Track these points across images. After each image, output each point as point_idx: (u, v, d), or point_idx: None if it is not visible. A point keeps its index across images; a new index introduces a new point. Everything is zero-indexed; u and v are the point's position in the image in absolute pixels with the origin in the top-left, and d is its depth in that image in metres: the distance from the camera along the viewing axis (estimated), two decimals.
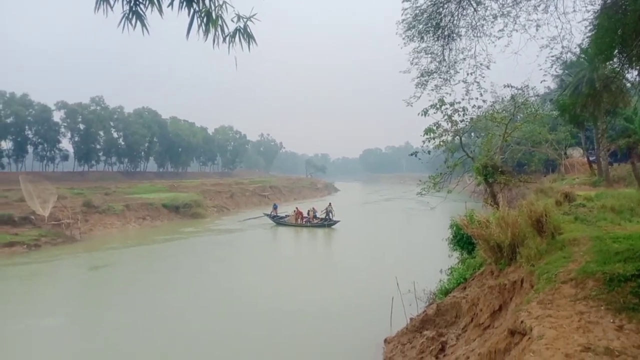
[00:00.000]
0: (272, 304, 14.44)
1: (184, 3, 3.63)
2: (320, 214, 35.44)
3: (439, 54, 8.42)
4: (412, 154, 14.60)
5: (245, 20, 3.79)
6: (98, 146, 74.05)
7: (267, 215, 37.98)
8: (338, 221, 33.81)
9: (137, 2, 3.62)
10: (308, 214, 35.84)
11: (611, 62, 7.25)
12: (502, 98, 19.06)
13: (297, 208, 36.74)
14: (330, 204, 35.94)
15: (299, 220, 35.37)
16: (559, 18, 6.88)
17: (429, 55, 8.68)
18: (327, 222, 33.94)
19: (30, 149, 65.22)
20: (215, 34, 3.69)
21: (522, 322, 5.06)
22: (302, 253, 24.79)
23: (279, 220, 36.45)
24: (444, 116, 13.99)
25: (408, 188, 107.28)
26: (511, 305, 6.89)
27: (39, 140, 65.01)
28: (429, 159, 14.16)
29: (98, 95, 71.92)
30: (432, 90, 11.18)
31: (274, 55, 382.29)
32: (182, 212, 40.94)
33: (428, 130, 13.87)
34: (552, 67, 9.00)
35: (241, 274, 19.07)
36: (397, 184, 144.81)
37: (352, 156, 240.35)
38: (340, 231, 32.46)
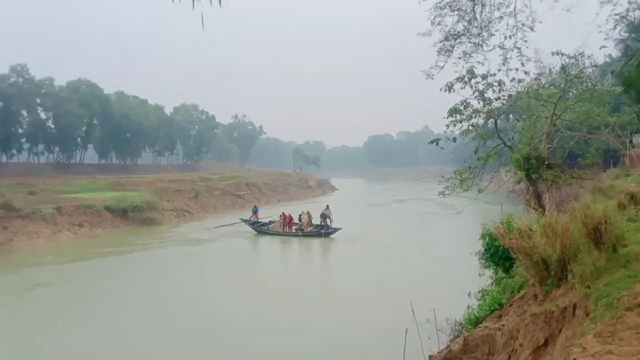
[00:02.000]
0: (254, 339, 14.44)
1: None
2: (315, 220, 35.72)
3: (469, 10, 8.39)
4: (432, 142, 14.62)
5: None
6: (20, 130, 73.41)
7: (245, 221, 38.09)
8: (338, 229, 34.01)
9: None
10: (300, 219, 35.95)
11: None
12: (550, 69, 19.15)
13: (283, 213, 36.89)
14: (327, 206, 36.12)
15: (286, 227, 35.49)
16: None
17: (456, 13, 8.65)
18: (324, 231, 34.10)
19: None
20: None
21: None
22: (292, 271, 24.84)
23: (260, 228, 36.55)
24: (474, 92, 14.00)
25: (426, 186, 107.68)
26: (560, 339, 6.93)
27: None
28: (454, 148, 14.18)
29: (20, 64, 70.29)
30: (459, 58, 11.16)
31: (253, 25, 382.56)
32: (132, 218, 40.85)
33: (453, 111, 13.88)
34: (615, 28, 9.01)
35: (212, 301, 18.83)
36: (412, 180, 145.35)
37: (354, 144, 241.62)
38: (340, 242, 32.72)
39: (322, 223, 35.03)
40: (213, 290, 20.49)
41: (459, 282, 17.45)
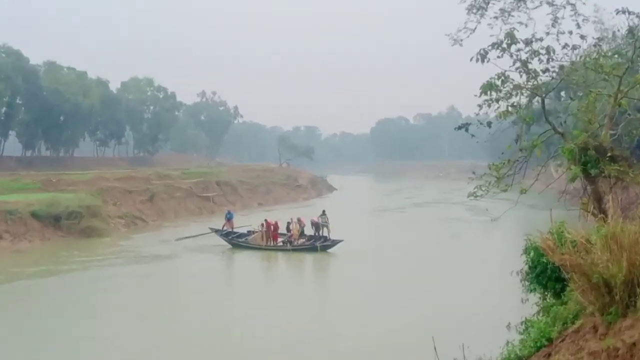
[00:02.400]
0: None
1: None
2: (308, 229, 35.92)
3: None
4: (459, 128, 14.59)
5: None
6: None
7: (217, 231, 38.18)
8: (338, 241, 34.16)
9: None
10: (288, 228, 36.03)
11: None
12: (614, 32, 19.22)
13: (266, 220, 36.94)
14: (323, 212, 36.24)
15: (270, 239, 35.59)
16: None
17: None
18: (319, 243, 34.24)
19: None
20: None
21: None
22: (278, 301, 24.56)
23: (237, 240, 36.69)
24: (514, 63, 13.99)
25: (453, 185, 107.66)
26: None
27: None
28: (489, 135, 14.19)
29: None
30: (496, 18, 11.12)
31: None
32: (67, 227, 40.80)
33: (488, 87, 13.86)
34: None
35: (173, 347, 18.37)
36: (433, 178, 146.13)
37: (359, 131, 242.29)
38: (341, 258, 32.91)
39: (317, 234, 35.19)
40: (166, 340, 18.83)
41: (495, 311, 17.40)
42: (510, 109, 14.30)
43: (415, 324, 19.08)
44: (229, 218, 39.51)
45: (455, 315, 20.04)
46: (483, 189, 15.01)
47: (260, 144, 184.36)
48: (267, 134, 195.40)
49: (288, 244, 35.00)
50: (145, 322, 20.98)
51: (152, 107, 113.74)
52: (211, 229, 39.05)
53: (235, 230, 38.36)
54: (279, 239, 35.94)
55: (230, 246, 36.66)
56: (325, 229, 35.38)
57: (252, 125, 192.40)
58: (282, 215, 40.36)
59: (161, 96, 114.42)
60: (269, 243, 35.64)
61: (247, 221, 41.50)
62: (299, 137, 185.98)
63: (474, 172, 15.38)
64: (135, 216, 49.66)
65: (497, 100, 13.79)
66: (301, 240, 35.15)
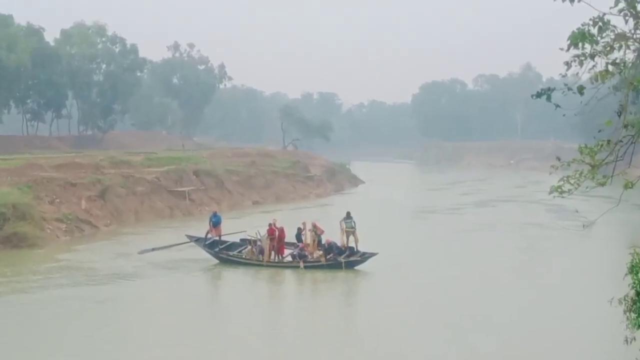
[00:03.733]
0: None
1: None
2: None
3: None
4: (539, 95, 14.50)
5: None
6: None
7: (197, 240, 37.97)
8: (371, 255, 34.04)
9: None
10: (299, 237, 35.88)
11: None
12: None
13: (273, 222, 36.36)
14: (348, 214, 35.76)
15: (272, 254, 35.46)
16: None
17: None
18: (343, 258, 34.02)
19: None
20: None
21: None
22: (289, 344, 24.27)
23: (226, 253, 36.52)
24: (616, 2, 13.96)
25: (529, 176, 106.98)
26: None
27: None
28: (580, 106, 14.16)
29: None
30: None
31: None
32: None
33: (579, 38, 13.79)
34: None
35: None
36: (502, 165, 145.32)
37: (395, 99, 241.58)
38: (377, 278, 32.91)
39: (343, 246, 34.77)
40: None
41: (588, 355, 17.44)
42: (610, 68, 14.24)
43: None
44: (215, 222, 38.76)
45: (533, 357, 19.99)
46: (571, 181, 14.90)
47: (257, 118, 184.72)
48: (266, 104, 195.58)
49: (300, 260, 34.88)
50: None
51: (104, 66, 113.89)
52: (189, 237, 38.86)
53: (223, 238, 37.97)
54: (286, 252, 35.77)
55: (217, 261, 36.52)
56: (351, 236, 34.94)
57: (245, 92, 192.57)
58: (287, 219, 40.27)
59: (117, 50, 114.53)
60: (272, 258, 35.41)
61: (240, 226, 41.29)
62: (311, 107, 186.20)
63: (558, 158, 15.28)
64: (80, 219, 49.56)
65: (593, 56, 13.70)
66: (317, 254, 34.86)
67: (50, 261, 37.92)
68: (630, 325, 13.14)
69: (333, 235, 35.40)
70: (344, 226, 35.26)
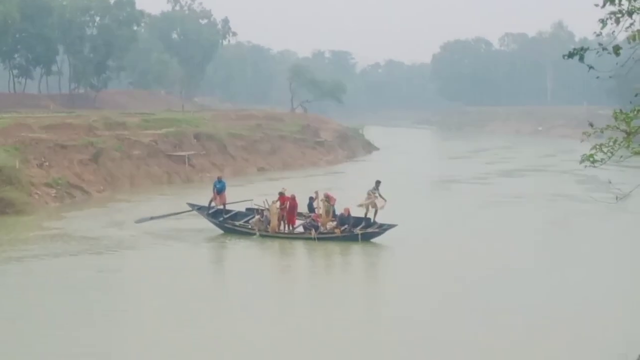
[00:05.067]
0: None
1: None
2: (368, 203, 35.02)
3: None
4: (571, 55, 14.44)
5: None
6: None
7: (199, 209, 37.94)
8: (390, 226, 34.05)
9: None
10: (311, 207, 35.99)
11: None
12: None
13: (284, 191, 36.14)
14: (378, 182, 35.31)
15: (282, 224, 35.56)
16: None
17: None
18: (359, 230, 33.90)
19: None
20: None
21: None
22: (303, 326, 23.86)
23: (231, 223, 36.63)
24: None
25: (559, 144, 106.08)
26: None
27: None
28: (616, 67, 14.09)
29: None
30: None
31: None
32: None
33: None
34: None
35: None
36: (529, 132, 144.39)
37: (413, 59, 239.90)
38: (395, 252, 33.04)
39: (367, 216, 34.51)
40: None
41: (621, 347, 17.46)
42: None
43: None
44: (219, 189, 38.58)
45: (559, 344, 20.13)
46: (605, 150, 14.86)
47: (264, 78, 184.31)
48: (273, 63, 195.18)
49: (311, 230, 34.87)
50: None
51: (98, 19, 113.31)
52: (191, 205, 38.78)
53: (228, 208, 37.92)
54: (297, 223, 35.79)
55: (221, 231, 36.53)
56: (373, 205, 34.56)
57: (251, 49, 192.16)
58: (296, 188, 40.03)
59: (112, 1, 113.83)
60: (280, 229, 35.43)
61: (243, 195, 41.12)
62: (323, 67, 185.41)
63: (591, 125, 15.22)
64: (71, 184, 49.63)
65: (630, 13, 13.61)
66: (330, 225, 34.79)
67: (40, 229, 38.05)
68: None
69: (346, 206, 35.18)
70: (373, 195, 34.81)
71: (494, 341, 20.70)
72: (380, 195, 34.83)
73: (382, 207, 34.65)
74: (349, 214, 34.63)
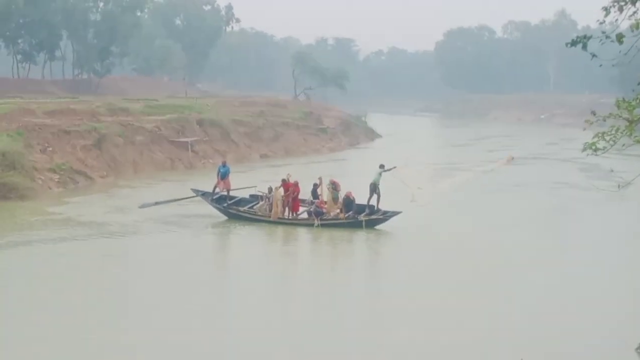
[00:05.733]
0: None
1: None
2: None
3: None
4: (574, 43, 14.50)
5: None
6: None
7: (203, 194, 37.87)
8: (395, 213, 34.08)
9: None
10: (315, 194, 35.96)
11: None
12: None
13: (288, 177, 36.06)
14: (382, 167, 35.25)
15: (286, 210, 35.52)
16: None
17: None
18: (364, 217, 33.94)
19: None
20: None
21: None
22: (308, 316, 23.70)
23: (236, 209, 36.60)
24: None
25: (561, 132, 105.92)
26: None
27: None
28: (619, 55, 14.11)
29: None
30: None
31: None
32: None
33: None
34: None
35: None
36: (533, 120, 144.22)
37: (417, 47, 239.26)
38: (399, 239, 33.27)
39: (370, 203, 34.47)
40: None
41: (618, 337, 17.49)
42: None
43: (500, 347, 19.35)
44: (223, 174, 38.34)
45: (561, 332, 20.17)
46: (607, 138, 14.89)
47: (267, 65, 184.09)
48: (276, 50, 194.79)
49: (315, 217, 34.87)
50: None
51: (101, 4, 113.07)
52: (195, 191, 38.71)
53: (232, 194, 37.81)
54: (301, 209, 35.75)
55: (225, 217, 36.59)
56: (375, 193, 34.50)
57: (254, 36, 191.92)
58: (298, 174, 39.89)
59: None
60: (285, 214, 35.33)
61: (246, 182, 40.83)
62: (326, 54, 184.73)
63: (593, 113, 15.25)
64: (75, 169, 49.59)
65: (634, 1, 13.62)
66: (334, 212, 34.67)
67: (44, 214, 38.10)
68: None
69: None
70: (378, 179, 34.72)
71: (495, 331, 20.72)
72: (379, 179, 34.78)
73: (379, 192, 34.76)
74: (353, 199, 34.62)
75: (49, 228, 34.65)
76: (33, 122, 52.48)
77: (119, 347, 19.11)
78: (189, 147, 61.70)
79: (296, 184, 35.72)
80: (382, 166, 35.36)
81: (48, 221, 36.38)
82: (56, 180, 46.90)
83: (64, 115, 56.65)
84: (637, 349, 17.48)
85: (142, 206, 37.55)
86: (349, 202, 34.52)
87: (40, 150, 49.13)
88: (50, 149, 49.99)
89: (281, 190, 35.36)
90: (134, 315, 22.07)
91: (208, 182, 39.07)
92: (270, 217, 35.17)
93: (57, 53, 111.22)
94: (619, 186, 16.67)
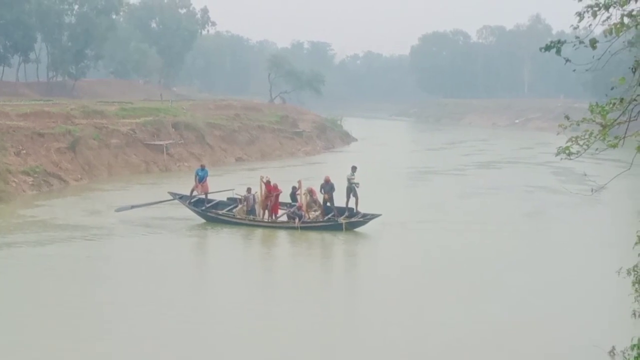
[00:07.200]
0: None
1: None
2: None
3: None
4: (548, 48, 14.48)
5: None
6: None
7: (181, 197, 37.80)
8: (374, 216, 34.27)
9: None
10: (293, 196, 35.93)
11: None
12: None
13: (267, 179, 35.88)
14: (354, 168, 35.39)
15: (266, 213, 35.48)
16: None
17: None
18: (344, 219, 34.25)
19: None
20: None
21: None
22: (288, 319, 23.84)
23: (214, 212, 36.53)
24: None
25: (535, 136, 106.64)
26: None
27: None
28: (592, 60, 14.17)
29: None
30: None
31: None
32: None
33: None
34: None
35: None
36: (507, 124, 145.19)
37: (392, 51, 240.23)
38: (379, 241, 33.40)
39: (349, 205, 34.78)
40: None
41: (591, 328, 17.52)
42: (626, 20, 14.22)
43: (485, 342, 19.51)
44: (201, 177, 38.24)
45: (534, 334, 20.30)
46: (580, 142, 14.93)
47: (242, 68, 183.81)
48: (252, 53, 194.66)
49: (295, 219, 34.77)
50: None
51: (76, 7, 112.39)
52: (172, 194, 38.66)
53: (209, 197, 37.66)
54: (280, 212, 35.69)
55: (203, 220, 36.46)
56: (352, 193, 34.42)
57: (230, 39, 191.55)
58: (274, 178, 39.76)
59: None
60: (265, 217, 35.20)
61: (222, 185, 40.67)
62: (302, 58, 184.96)
63: (567, 117, 15.30)
64: (48, 172, 49.33)
65: (607, 7, 13.67)
66: (314, 214, 34.74)
67: (18, 217, 37.93)
68: (638, 298, 13.30)
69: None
70: (351, 180, 34.88)
71: (474, 333, 20.72)
72: (355, 183, 34.95)
73: (357, 197, 34.90)
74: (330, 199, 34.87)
75: (23, 231, 34.47)
76: (7, 124, 51.97)
77: (94, 355, 19.01)
78: (164, 150, 61.44)
79: (275, 187, 35.69)
80: (354, 168, 35.62)
81: (22, 224, 36.19)
82: (30, 183, 46.64)
83: (38, 117, 56.17)
84: (609, 352, 17.57)
85: (119, 210, 37.40)
86: (328, 207, 34.91)
87: (14, 152, 48.74)
88: (24, 151, 49.64)
89: (264, 192, 35.40)
90: (109, 322, 21.80)
91: (183, 185, 39.10)
92: (249, 220, 35.20)
93: (32, 55, 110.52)
94: (592, 190, 16.74)
